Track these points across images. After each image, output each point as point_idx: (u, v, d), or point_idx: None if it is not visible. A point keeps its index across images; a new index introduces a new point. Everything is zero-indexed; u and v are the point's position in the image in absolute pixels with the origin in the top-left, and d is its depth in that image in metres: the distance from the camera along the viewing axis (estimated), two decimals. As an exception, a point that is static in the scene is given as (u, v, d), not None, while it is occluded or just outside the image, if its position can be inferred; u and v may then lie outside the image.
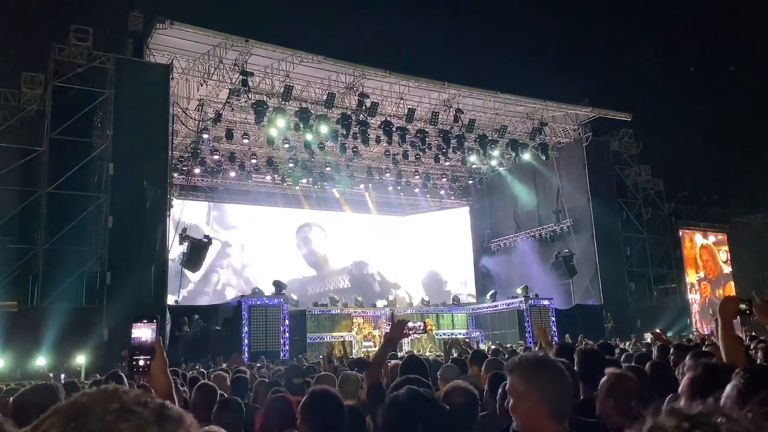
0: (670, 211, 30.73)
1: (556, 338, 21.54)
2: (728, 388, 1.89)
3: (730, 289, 31.77)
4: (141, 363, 1.76)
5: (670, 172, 32.18)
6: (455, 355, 8.64)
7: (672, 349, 5.73)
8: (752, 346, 6.35)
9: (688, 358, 3.72)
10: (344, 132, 23.13)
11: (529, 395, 2.16)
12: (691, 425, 0.94)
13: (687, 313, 29.20)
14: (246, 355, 19.19)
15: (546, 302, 24.67)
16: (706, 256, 32.03)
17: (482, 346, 19.90)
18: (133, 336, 1.80)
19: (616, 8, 50.67)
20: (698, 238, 31.98)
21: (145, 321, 1.81)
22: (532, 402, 2.14)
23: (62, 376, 13.68)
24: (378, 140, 24.45)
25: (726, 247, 32.85)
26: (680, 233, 31.18)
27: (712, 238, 32.52)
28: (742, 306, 2.99)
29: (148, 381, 1.80)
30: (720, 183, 38.59)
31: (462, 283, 31.22)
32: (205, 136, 23.70)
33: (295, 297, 24.59)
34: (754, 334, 10.10)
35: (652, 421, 0.99)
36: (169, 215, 20.28)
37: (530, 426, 2.18)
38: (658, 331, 9.10)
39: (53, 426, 0.92)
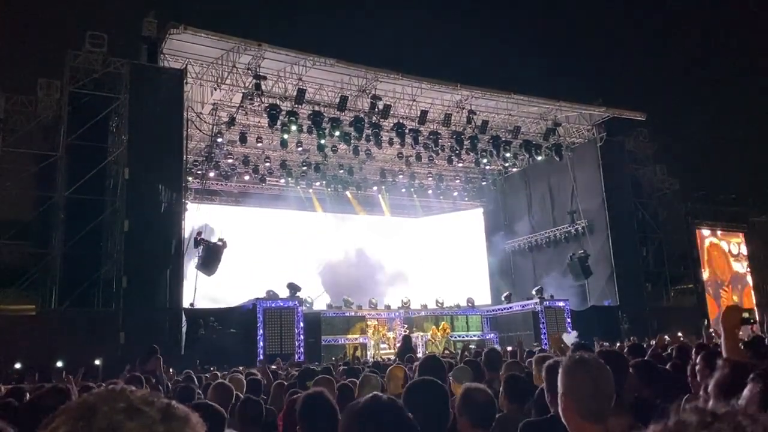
0: (686, 211, 30.42)
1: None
2: (747, 391, 1.86)
3: (748, 290, 31.37)
4: None
5: (686, 171, 32.03)
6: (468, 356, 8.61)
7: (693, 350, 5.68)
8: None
9: (699, 358, 3.69)
10: (357, 135, 23.16)
11: (563, 392, 2.32)
12: (713, 420, 0.94)
13: (704, 313, 28.85)
14: (261, 357, 19.24)
15: (561, 303, 24.48)
16: (717, 254, 31.53)
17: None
18: None
19: (630, 7, 50.39)
20: (708, 237, 31.46)
21: None
22: (565, 399, 2.30)
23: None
24: (391, 142, 24.46)
25: (744, 246, 32.40)
26: (697, 233, 30.81)
27: (719, 233, 31.96)
28: (745, 315, 2.95)
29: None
30: (737, 182, 38.24)
31: (476, 284, 31.06)
32: (219, 140, 23.89)
33: (309, 299, 24.60)
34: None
35: (676, 417, 0.99)
36: (184, 219, 20.41)
37: (564, 420, 2.33)
38: (679, 334, 9.01)
39: (62, 425, 0.93)
